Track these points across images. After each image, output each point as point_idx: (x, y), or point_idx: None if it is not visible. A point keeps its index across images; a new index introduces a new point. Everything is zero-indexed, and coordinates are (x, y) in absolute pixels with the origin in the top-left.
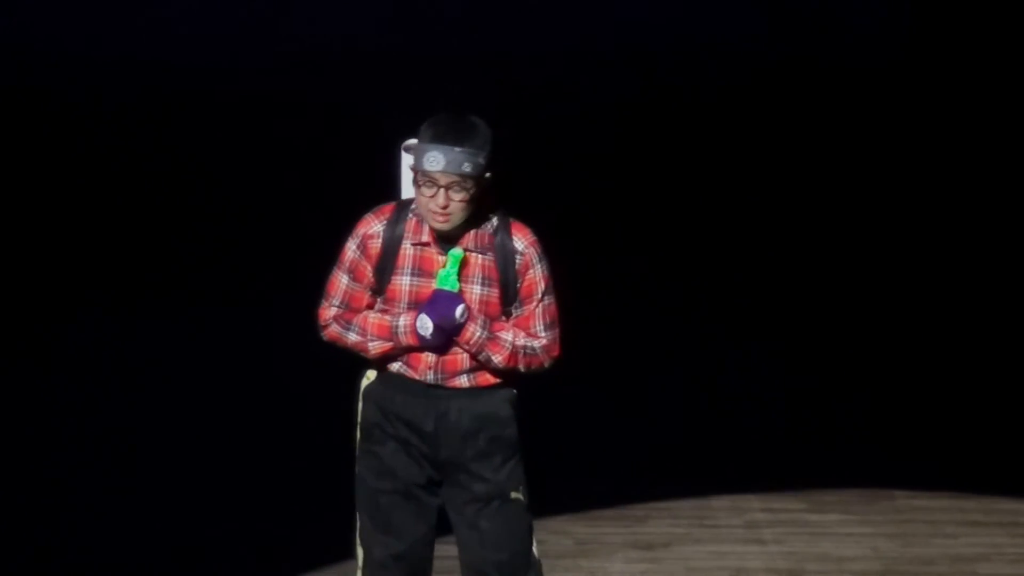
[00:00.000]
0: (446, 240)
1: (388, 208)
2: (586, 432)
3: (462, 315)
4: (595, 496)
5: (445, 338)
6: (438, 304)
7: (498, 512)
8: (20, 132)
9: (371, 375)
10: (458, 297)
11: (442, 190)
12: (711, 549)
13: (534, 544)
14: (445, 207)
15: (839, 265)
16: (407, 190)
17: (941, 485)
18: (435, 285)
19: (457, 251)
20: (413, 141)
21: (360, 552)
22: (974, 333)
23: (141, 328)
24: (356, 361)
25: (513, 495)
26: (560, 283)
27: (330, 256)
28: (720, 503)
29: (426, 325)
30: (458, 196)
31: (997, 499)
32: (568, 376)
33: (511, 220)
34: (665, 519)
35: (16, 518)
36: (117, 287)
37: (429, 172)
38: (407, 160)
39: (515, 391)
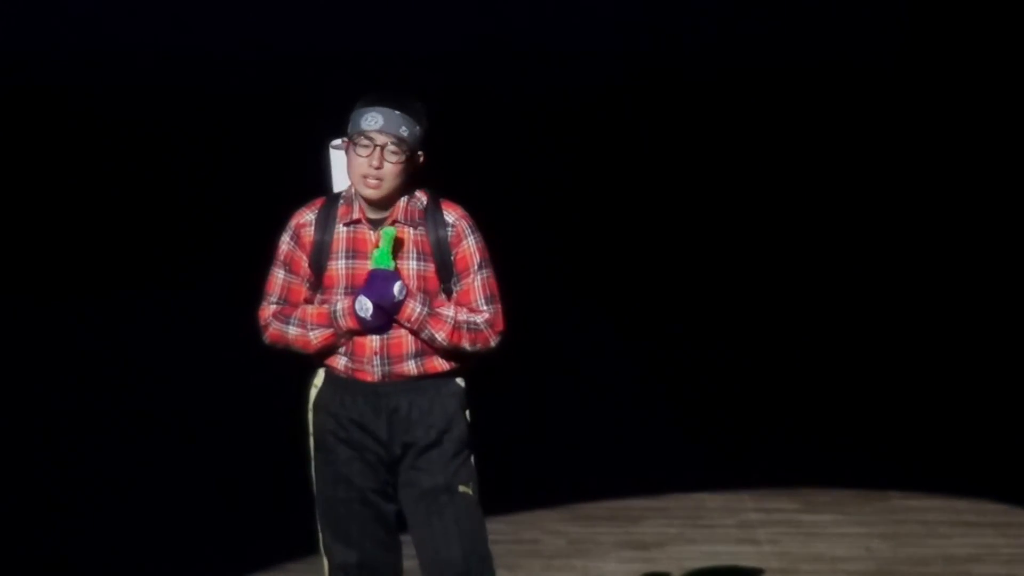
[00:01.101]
0: (377, 216)
1: (319, 200)
2: (579, 431)
3: (400, 292)
4: (589, 495)
5: (385, 318)
6: (375, 283)
7: (447, 507)
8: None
9: (318, 383)
10: (395, 275)
11: (378, 149)
12: (705, 549)
13: (488, 541)
14: (379, 168)
15: (835, 265)
16: (338, 183)
17: (935, 486)
18: (370, 265)
19: (390, 229)
20: (339, 140)
21: (324, 561)
22: (969, 334)
23: (138, 320)
24: (304, 367)
25: (462, 489)
26: (530, 277)
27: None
28: (714, 503)
29: (365, 306)
30: (392, 159)
31: (990, 500)
32: (560, 375)
33: (440, 198)
34: (659, 519)
35: (19, 514)
36: (114, 277)
37: (366, 131)
38: (336, 156)
39: (463, 384)
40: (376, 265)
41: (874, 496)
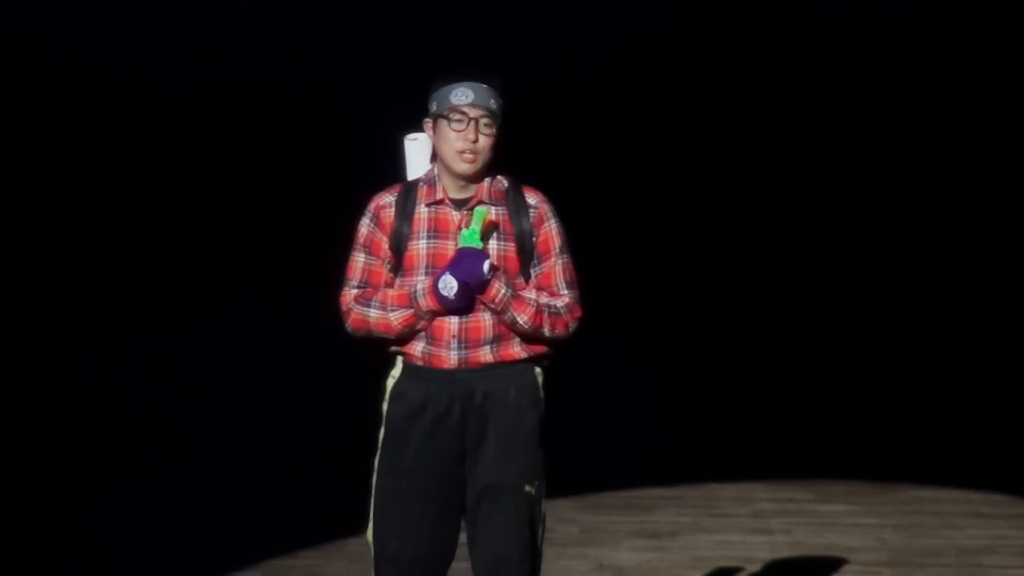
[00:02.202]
0: (460, 196)
1: (396, 186)
2: (594, 420)
3: (489, 271)
4: (602, 484)
5: (468, 298)
6: (463, 262)
7: (510, 506)
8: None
9: (396, 373)
10: (484, 254)
11: (472, 123)
12: (717, 538)
13: (540, 538)
14: (475, 141)
15: (842, 258)
16: (412, 174)
17: (948, 478)
18: (459, 244)
19: (481, 208)
20: (415, 134)
21: (373, 549)
22: (981, 329)
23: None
24: (379, 362)
25: (527, 488)
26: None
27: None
28: (727, 493)
29: (450, 284)
30: (486, 132)
31: (1003, 492)
32: (575, 366)
33: (521, 183)
34: (672, 508)
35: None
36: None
37: (458, 106)
38: (412, 147)
39: (540, 375)
40: (465, 243)
41: (887, 487)
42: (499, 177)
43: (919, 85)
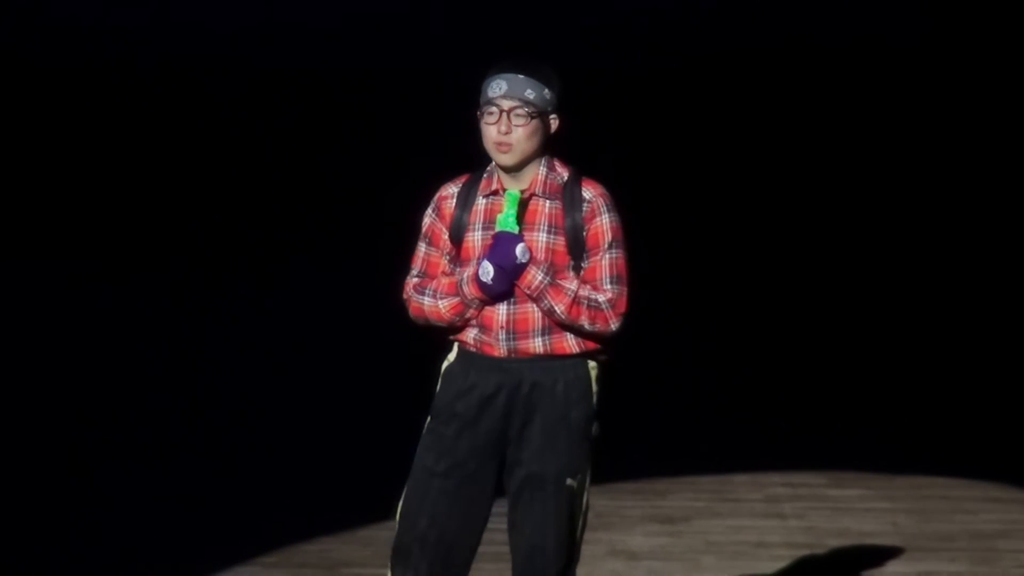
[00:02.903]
0: (515, 187)
1: (465, 176)
2: (607, 405)
3: (523, 255)
4: (616, 469)
5: (507, 283)
6: (497, 246)
7: (551, 497)
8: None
9: (451, 357)
10: (517, 237)
11: (504, 115)
12: (731, 523)
13: (580, 531)
14: (507, 133)
15: (854, 245)
16: None
17: (961, 463)
18: (496, 229)
19: (514, 192)
20: None
21: (399, 526)
22: (995, 317)
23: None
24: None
25: (569, 482)
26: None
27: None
28: (740, 478)
29: (487, 270)
30: (520, 122)
31: (1016, 477)
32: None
33: (583, 176)
34: (685, 493)
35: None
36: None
37: (492, 98)
38: None
39: (595, 370)
40: (500, 228)
41: (900, 472)
42: (558, 168)
43: (946, 66)
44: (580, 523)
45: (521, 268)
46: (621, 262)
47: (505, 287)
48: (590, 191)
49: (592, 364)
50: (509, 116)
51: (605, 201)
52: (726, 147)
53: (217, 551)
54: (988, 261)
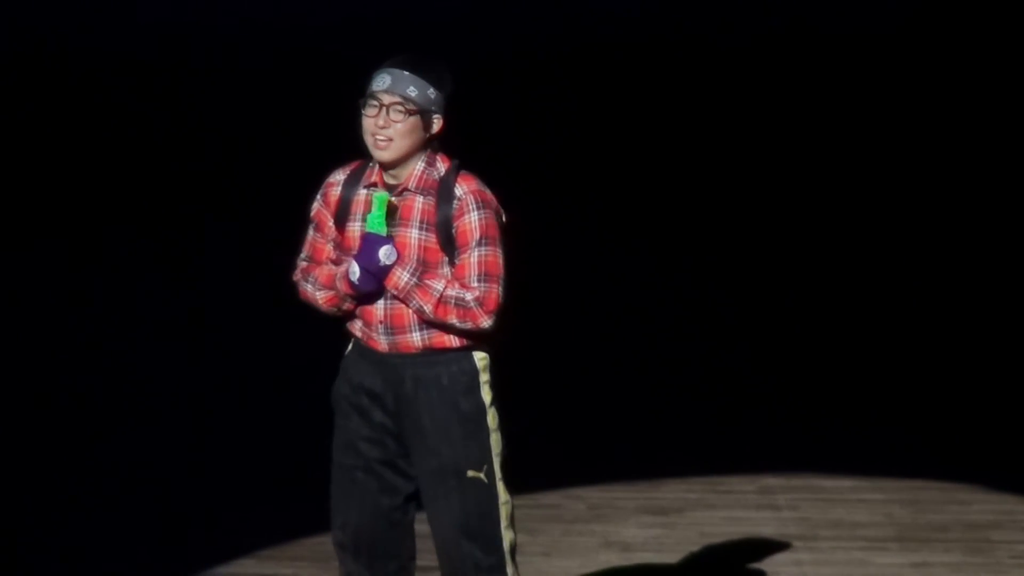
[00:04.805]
0: (393, 181)
1: (355, 163)
2: (600, 397)
3: (387, 257)
4: (609, 461)
5: (375, 284)
6: (364, 247)
7: (454, 490)
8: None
9: (350, 346)
10: (383, 239)
11: (384, 109)
12: (724, 515)
13: (502, 526)
14: (384, 127)
15: (848, 238)
16: None
17: (954, 453)
18: (365, 229)
19: (382, 194)
20: None
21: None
22: (991, 311)
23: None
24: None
25: (471, 474)
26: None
27: None
28: (734, 469)
29: (354, 270)
30: (398, 119)
31: (1009, 467)
32: (583, 343)
33: (463, 171)
34: (679, 484)
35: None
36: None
37: (374, 91)
38: None
39: (482, 362)
40: (368, 229)
41: (894, 463)
42: (438, 163)
43: (928, 52)
44: (500, 515)
45: (386, 270)
46: (492, 259)
47: (373, 287)
48: (463, 187)
49: (480, 355)
50: (388, 111)
51: (476, 198)
52: (716, 138)
53: (212, 544)
54: (980, 249)
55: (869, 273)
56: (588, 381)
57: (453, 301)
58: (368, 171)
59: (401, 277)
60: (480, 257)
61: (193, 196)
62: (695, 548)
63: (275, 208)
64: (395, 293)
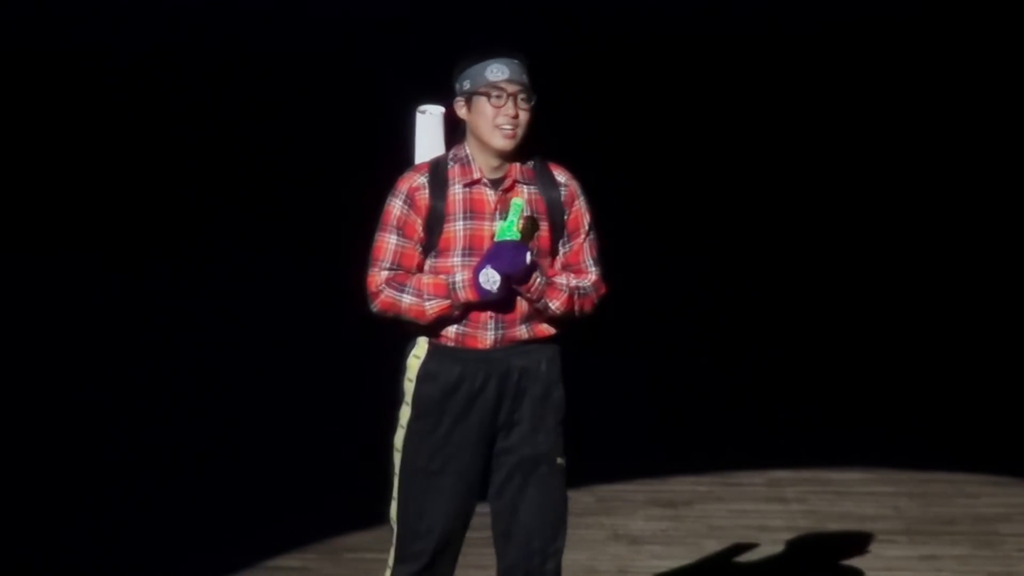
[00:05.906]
0: (495, 176)
1: (423, 166)
2: (609, 389)
3: (530, 264)
4: (618, 453)
5: (508, 290)
6: (503, 255)
7: (546, 477)
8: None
9: (420, 354)
10: (523, 246)
11: (511, 98)
12: (733, 507)
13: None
14: (515, 116)
15: (851, 237)
16: (423, 153)
17: (963, 446)
18: (496, 237)
19: (519, 200)
20: (429, 105)
21: (397, 528)
22: (998, 300)
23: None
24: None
25: (559, 461)
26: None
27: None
28: (742, 462)
29: (492, 278)
30: (525, 107)
31: (1018, 461)
32: (591, 336)
33: (548, 160)
34: (687, 477)
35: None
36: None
37: (495, 82)
38: (424, 122)
39: (559, 348)
40: (502, 237)
41: (902, 456)
42: (526, 157)
43: (942, 40)
44: (567, 503)
45: (528, 274)
46: (597, 243)
47: (506, 293)
48: (563, 175)
49: (557, 347)
50: (516, 100)
51: (578, 184)
52: (720, 131)
53: (222, 535)
54: (986, 247)
55: (878, 267)
56: (597, 374)
57: (577, 292)
58: (458, 168)
59: (537, 279)
60: (591, 242)
61: (217, 193)
62: (704, 541)
63: (302, 207)
64: (528, 296)
